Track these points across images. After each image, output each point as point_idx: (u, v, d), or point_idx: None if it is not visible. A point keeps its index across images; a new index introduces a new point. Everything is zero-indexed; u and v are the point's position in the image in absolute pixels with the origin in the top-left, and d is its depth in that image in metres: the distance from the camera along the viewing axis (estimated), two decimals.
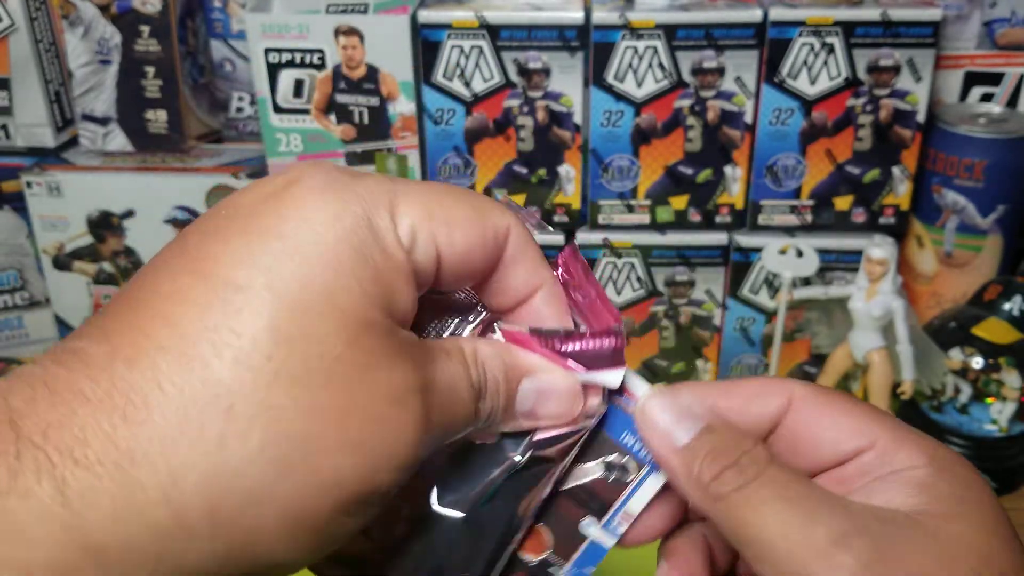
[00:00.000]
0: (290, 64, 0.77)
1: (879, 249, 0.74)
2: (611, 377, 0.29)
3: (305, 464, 0.22)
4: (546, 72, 0.75)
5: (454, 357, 0.26)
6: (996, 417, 0.77)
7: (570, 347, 0.29)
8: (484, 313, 0.31)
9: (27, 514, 0.20)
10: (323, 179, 0.25)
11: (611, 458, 0.30)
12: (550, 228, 0.31)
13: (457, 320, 0.30)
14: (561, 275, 0.31)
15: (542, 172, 0.79)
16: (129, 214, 0.84)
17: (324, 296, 0.23)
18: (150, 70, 0.83)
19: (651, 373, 0.86)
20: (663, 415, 0.28)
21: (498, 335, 0.29)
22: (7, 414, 0.21)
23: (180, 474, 0.21)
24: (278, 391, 0.22)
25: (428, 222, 0.26)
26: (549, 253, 0.29)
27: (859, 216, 0.80)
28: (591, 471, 0.30)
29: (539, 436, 0.29)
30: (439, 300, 0.30)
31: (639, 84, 0.75)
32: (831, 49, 0.74)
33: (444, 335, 0.30)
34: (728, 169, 0.78)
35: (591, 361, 0.29)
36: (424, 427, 0.24)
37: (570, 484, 0.31)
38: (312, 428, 0.22)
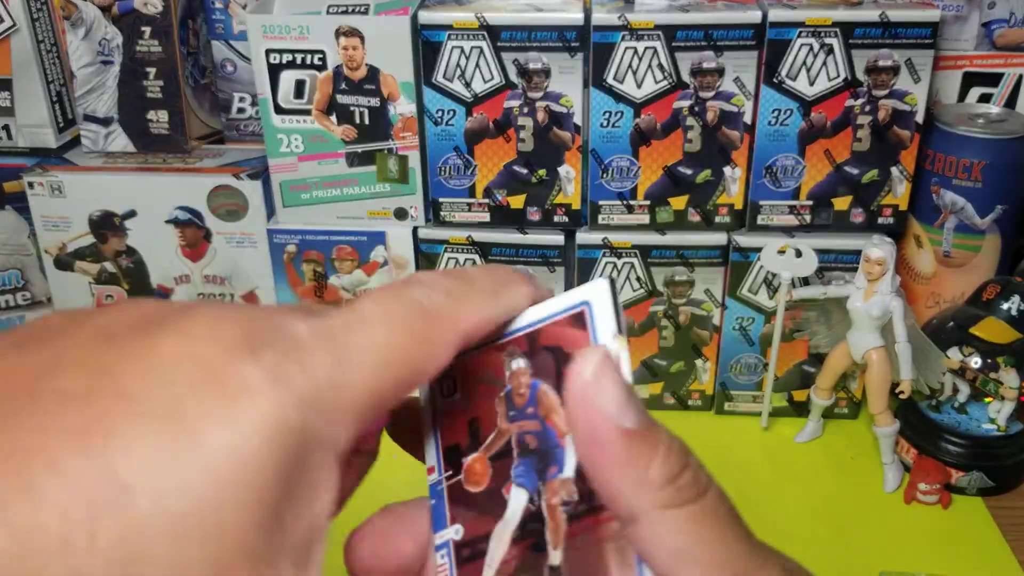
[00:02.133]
0: (291, 65, 0.77)
1: (877, 249, 0.74)
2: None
3: None
4: (546, 73, 0.76)
5: None
6: (994, 416, 0.78)
7: None
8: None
9: None
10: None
11: None
12: None
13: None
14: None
15: (542, 172, 0.79)
16: (131, 214, 0.84)
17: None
18: (152, 71, 0.84)
19: (651, 372, 0.86)
20: (616, 389, 0.23)
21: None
22: None
23: None
24: None
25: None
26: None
27: (858, 216, 0.80)
28: None
29: None
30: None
31: (639, 85, 0.76)
32: (830, 50, 0.74)
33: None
34: (727, 169, 0.79)
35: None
36: None
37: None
38: None
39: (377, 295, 0.24)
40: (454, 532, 0.27)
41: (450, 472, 0.28)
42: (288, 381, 0.21)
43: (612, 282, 0.27)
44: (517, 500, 0.27)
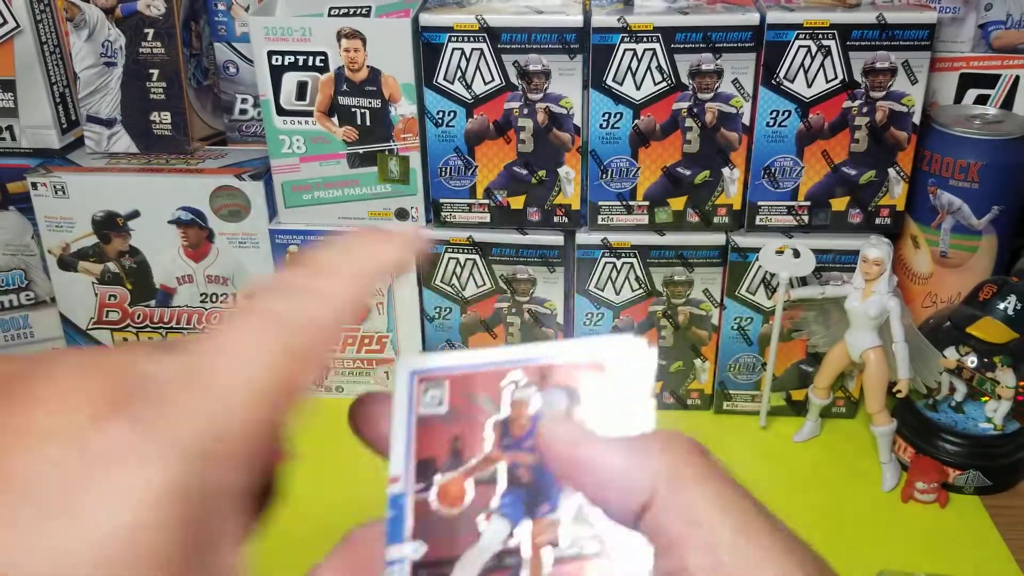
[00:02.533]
0: (293, 67, 0.78)
1: (875, 249, 0.75)
2: None
3: None
4: (546, 75, 0.76)
5: None
6: (991, 415, 0.78)
7: None
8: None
9: None
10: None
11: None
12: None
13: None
14: None
15: (542, 173, 0.80)
16: (134, 215, 0.84)
17: None
18: (154, 72, 0.84)
19: None
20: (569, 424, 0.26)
21: None
22: None
23: None
24: None
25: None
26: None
27: (855, 217, 0.81)
28: None
29: None
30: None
31: (638, 86, 0.76)
32: (827, 52, 0.74)
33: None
34: (726, 170, 0.79)
35: None
36: None
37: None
38: None
39: (233, 321, 0.23)
40: (412, 550, 0.26)
41: (421, 486, 0.27)
42: (163, 436, 0.19)
43: (648, 348, 0.27)
44: (496, 531, 0.26)
